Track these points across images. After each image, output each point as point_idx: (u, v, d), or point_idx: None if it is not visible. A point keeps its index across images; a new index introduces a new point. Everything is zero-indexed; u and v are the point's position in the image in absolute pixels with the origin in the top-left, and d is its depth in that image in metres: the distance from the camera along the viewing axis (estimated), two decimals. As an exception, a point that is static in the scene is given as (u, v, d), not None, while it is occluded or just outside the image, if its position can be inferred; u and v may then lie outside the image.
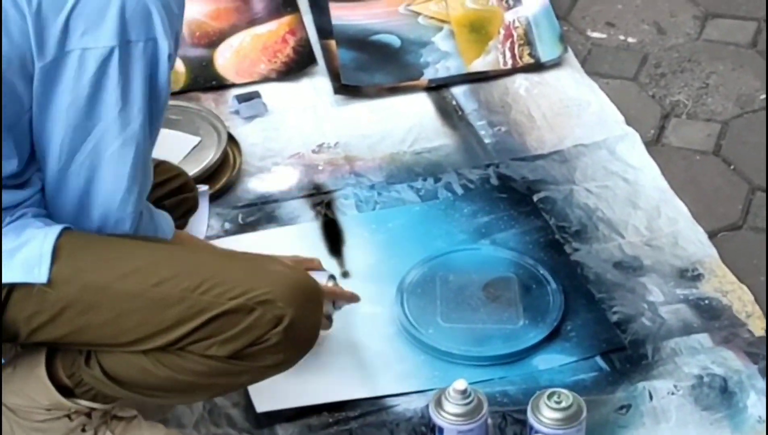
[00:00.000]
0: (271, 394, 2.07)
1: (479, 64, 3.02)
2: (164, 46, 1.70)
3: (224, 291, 1.75)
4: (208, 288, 1.75)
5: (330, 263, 2.40)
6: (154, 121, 1.77)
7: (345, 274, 2.41)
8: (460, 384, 1.96)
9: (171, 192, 2.19)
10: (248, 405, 2.12)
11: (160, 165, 2.16)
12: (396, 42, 3.12)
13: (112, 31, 1.67)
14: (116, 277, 1.75)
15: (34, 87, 1.70)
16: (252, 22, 3.21)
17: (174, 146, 2.61)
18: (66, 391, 1.87)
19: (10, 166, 1.76)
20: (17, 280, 1.72)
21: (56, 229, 1.76)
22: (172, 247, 1.90)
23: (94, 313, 1.76)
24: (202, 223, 2.49)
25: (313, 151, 2.76)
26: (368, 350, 2.24)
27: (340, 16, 3.21)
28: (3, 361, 1.85)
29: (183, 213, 2.24)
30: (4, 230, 1.75)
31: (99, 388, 1.85)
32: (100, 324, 1.77)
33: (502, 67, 3.01)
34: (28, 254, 1.73)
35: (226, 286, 1.76)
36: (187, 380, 1.81)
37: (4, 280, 1.72)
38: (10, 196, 1.77)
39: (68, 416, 1.90)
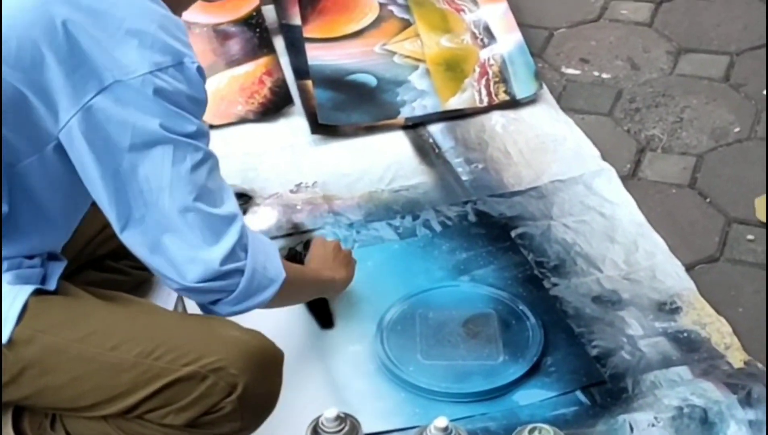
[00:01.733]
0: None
1: (455, 102, 3.04)
2: (191, 63, 1.73)
3: (177, 357, 1.74)
4: (161, 353, 1.74)
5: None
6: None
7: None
8: (441, 422, 1.96)
9: None
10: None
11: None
12: (372, 81, 3.14)
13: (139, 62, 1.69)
14: (74, 339, 1.75)
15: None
16: (229, 64, 3.23)
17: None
18: None
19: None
20: None
21: (27, 290, 1.76)
22: (133, 308, 1.87)
23: (53, 376, 1.76)
24: None
25: (291, 191, 2.77)
26: (349, 388, 2.24)
27: (317, 56, 3.23)
28: None
29: None
30: None
31: None
32: (59, 386, 1.76)
33: (478, 104, 3.03)
34: None
35: (180, 351, 1.75)
36: None
37: None
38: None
39: None
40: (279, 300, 1.89)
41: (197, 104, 1.76)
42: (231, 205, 1.80)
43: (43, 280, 1.82)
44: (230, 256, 1.76)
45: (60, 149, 1.72)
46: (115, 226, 1.76)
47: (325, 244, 2.36)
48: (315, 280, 2.22)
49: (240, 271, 1.78)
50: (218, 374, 1.75)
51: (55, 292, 1.83)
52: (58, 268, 1.86)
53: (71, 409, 1.81)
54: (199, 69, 1.74)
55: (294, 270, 2.02)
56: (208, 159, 1.77)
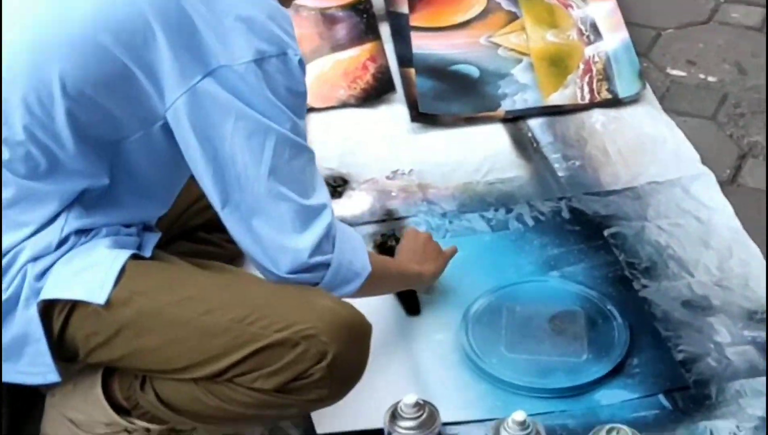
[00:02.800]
0: (332, 415, 2.09)
1: (557, 98, 3.03)
2: (295, 55, 1.77)
3: (270, 323, 1.78)
4: (254, 319, 1.78)
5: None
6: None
7: (412, 300, 2.43)
8: (519, 415, 1.96)
9: None
10: (309, 426, 2.14)
11: None
12: (475, 72, 3.14)
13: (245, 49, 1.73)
14: (169, 303, 1.80)
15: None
16: (334, 48, 3.25)
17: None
18: (123, 410, 1.92)
19: (101, 182, 1.82)
20: (78, 297, 1.77)
21: (125, 254, 1.81)
22: (227, 275, 1.92)
23: (147, 338, 1.80)
24: None
25: (387, 178, 2.79)
26: (430, 376, 2.25)
27: (421, 45, 3.24)
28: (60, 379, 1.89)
29: None
30: (77, 249, 1.80)
31: (154, 412, 1.89)
32: (153, 349, 1.81)
33: (579, 101, 3.02)
34: (94, 276, 1.78)
35: (272, 318, 1.79)
36: (236, 411, 1.84)
37: (67, 296, 1.77)
38: (94, 218, 1.83)
39: (127, 430, 1.95)
40: (363, 292, 1.93)
41: (297, 96, 1.80)
42: (322, 197, 1.85)
43: (139, 247, 1.88)
44: (318, 247, 1.81)
45: (167, 128, 1.77)
46: (216, 206, 1.81)
47: (416, 236, 2.37)
48: (400, 273, 2.24)
49: (326, 265, 1.84)
50: (309, 341, 1.78)
51: (150, 260, 1.88)
52: (153, 239, 1.92)
53: (162, 371, 1.85)
54: (301, 62, 1.78)
55: (380, 263, 2.05)
56: (305, 151, 1.82)
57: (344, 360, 1.82)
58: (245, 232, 1.81)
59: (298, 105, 1.81)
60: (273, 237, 1.80)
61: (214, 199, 1.80)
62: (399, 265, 2.26)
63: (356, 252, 1.92)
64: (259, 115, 1.74)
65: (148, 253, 1.88)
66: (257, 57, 1.72)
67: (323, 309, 1.82)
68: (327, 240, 1.83)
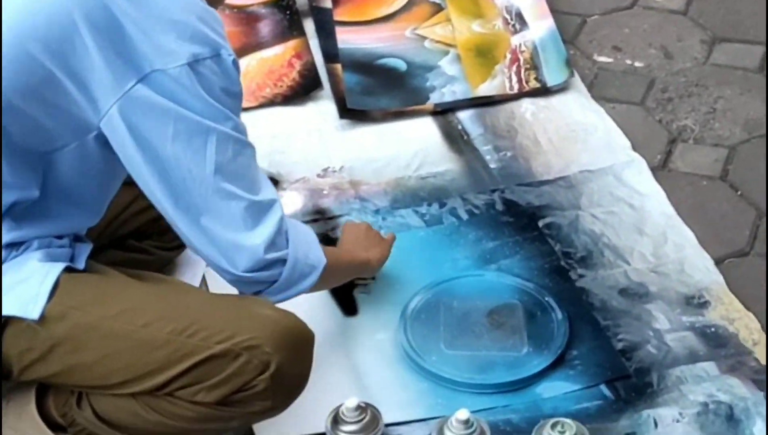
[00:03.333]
0: (273, 422, 2.04)
1: (485, 89, 3.01)
2: (228, 55, 1.76)
3: (210, 335, 1.75)
4: (194, 331, 1.75)
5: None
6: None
7: (348, 300, 2.41)
8: (462, 414, 1.95)
9: None
10: (249, 432, 2.11)
11: None
12: (402, 66, 3.12)
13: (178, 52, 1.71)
14: (105, 317, 1.76)
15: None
16: (258, 46, 3.21)
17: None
18: (59, 428, 1.87)
19: (31, 194, 1.77)
20: (11, 313, 1.73)
21: (58, 267, 1.77)
22: (164, 286, 1.88)
23: (83, 353, 1.76)
24: None
25: (318, 176, 2.76)
26: (371, 377, 2.23)
27: (347, 39, 3.21)
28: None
29: None
30: (8, 263, 1.76)
31: (91, 429, 1.85)
32: (89, 364, 1.77)
33: (508, 91, 3.00)
34: (26, 290, 1.74)
35: (213, 329, 1.76)
36: (178, 425, 1.81)
37: None
38: (25, 231, 1.78)
39: None
40: (319, 285, 1.92)
41: (233, 97, 1.78)
42: (270, 192, 1.84)
43: (72, 259, 1.84)
44: (273, 243, 1.79)
45: (101, 138, 1.74)
46: (166, 211, 1.78)
47: (356, 226, 2.36)
48: (351, 262, 2.23)
49: (282, 261, 1.82)
50: (252, 352, 1.76)
51: (84, 271, 1.84)
52: (85, 250, 1.88)
53: (100, 387, 1.82)
54: (235, 62, 1.77)
55: (332, 254, 2.02)
56: (248, 147, 1.81)
57: (287, 370, 1.79)
58: (198, 235, 1.78)
59: (235, 105, 1.79)
60: (226, 236, 1.77)
61: (163, 204, 1.77)
62: (349, 254, 2.24)
63: (310, 245, 1.91)
64: (197, 117, 1.72)
65: (81, 265, 1.84)
66: (191, 59, 1.70)
67: (264, 319, 1.79)
68: (280, 235, 1.81)
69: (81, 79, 1.68)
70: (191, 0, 1.75)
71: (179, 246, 2.21)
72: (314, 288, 1.93)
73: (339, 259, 2.17)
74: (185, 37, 1.70)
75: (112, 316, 1.76)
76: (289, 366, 1.79)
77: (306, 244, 1.89)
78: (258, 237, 1.78)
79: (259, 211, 1.79)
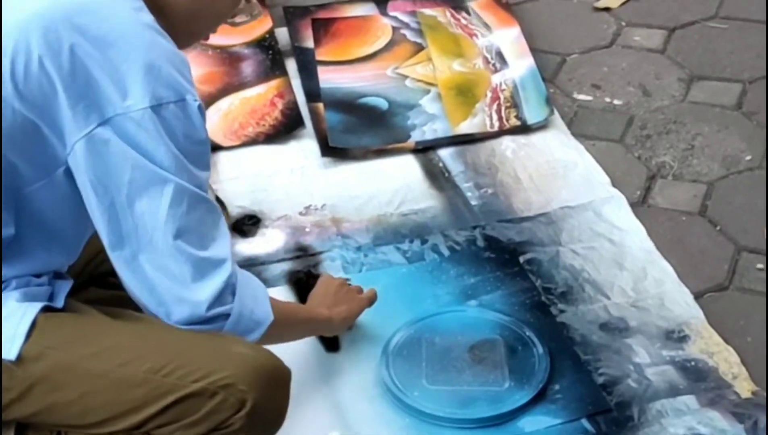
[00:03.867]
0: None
1: (466, 127, 3.04)
2: (193, 101, 1.72)
3: (187, 373, 1.74)
4: (171, 370, 1.75)
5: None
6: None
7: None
8: (444, 447, 1.95)
9: None
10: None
11: None
12: (383, 104, 3.14)
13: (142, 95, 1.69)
14: (83, 356, 1.75)
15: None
16: (241, 86, 3.23)
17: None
18: None
19: (7, 232, 1.77)
20: None
21: (35, 307, 1.76)
22: (141, 325, 1.85)
23: (62, 392, 1.75)
24: None
25: (300, 213, 2.77)
26: (353, 413, 2.23)
27: (328, 79, 3.23)
28: None
29: None
30: None
31: None
32: (67, 403, 1.76)
33: (489, 129, 3.03)
34: (4, 331, 1.73)
35: (189, 367, 1.75)
36: None
37: None
38: (2, 270, 1.77)
39: None
40: (268, 339, 1.89)
41: (196, 144, 1.75)
42: (222, 249, 1.80)
43: (51, 297, 1.83)
44: (217, 300, 1.78)
45: (69, 173, 1.73)
46: (109, 254, 1.77)
47: (330, 281, 2.36)
48: (308, 319, 2.21)
49: (225, 315, 1.80)
50: (228, 390, 1.75)
51: (62, 310, 1.83)
52: (65, 287, 1.87)
53: (79, 426, 1.80)
54: (201, 108, 1.74)
55: (286, 310, 2.04)
56: (203, 202, 1.78)
57: (264, 408, 1.78)
58: (140, 282, 1.76)
59: (198, 153, 1.76)
60: (170, 288, 1.76)
61: (109, 246, 1.76)
62: (307, 311, 2.24)
63: (258, 301, 1.88)
64: (155, 166, 1.70)
65: (60, 303, 1.83)
66: (154, 103, 1.68)
67: (240, 357, 1.78)
68: (227, 290, 1.79)
69: (52, 118, 1.68)
70: (158, 43, 1.74)
71: None
72: (266, 341, 1.89)
73: (295, 315, 2.17)
74: (150, 80, 1.68)
75: (90, 356, 1.75)
76: (265, 403, 1.78)
77: (253, 300, 1.86)
78: (202, 293, 1.76)
79: (206, 267, 1.77)
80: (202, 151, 1.77)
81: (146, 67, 1.68)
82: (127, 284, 1.79)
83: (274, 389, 1.82)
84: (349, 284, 2.38)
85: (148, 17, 1.74)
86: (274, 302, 1.92)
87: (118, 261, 1.76)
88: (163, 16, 1.79)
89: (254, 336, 1.86)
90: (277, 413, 1.85)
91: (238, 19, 3.33)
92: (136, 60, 1.68)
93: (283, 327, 1.98)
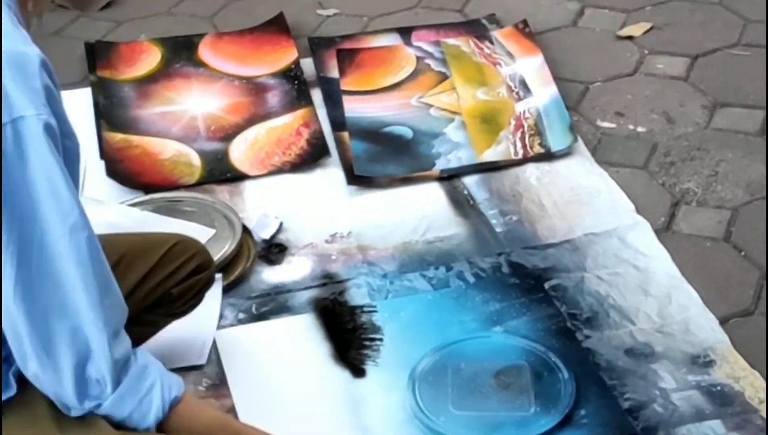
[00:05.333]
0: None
1: (490, 154, 3.06)
2: (32, 120, 1.55)
3: None
4: None
5: (342, 352, 2.41)
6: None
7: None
8: (471, 471, 1.96)
9: (188, 275, 2.17)
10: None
11: (178, 244, 2.15)
12: (408, 133, 3.16)
13: None
14: None
15: None
16: (267, 116, 3.27)
17: (189, 238, 2.63)
18: None
19: None
20: None
21: None
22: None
23: None
24: (215, 313, 2.52)
25: (326, 241, 2.79)
26: (380, 438, 2.24)
27: (354, 108, 3.26)
28: None
29: (198, 290, 2.22)
30: None
31: None
32: None
33: (513, 156, 3.05)
34: None
35: None
36: None
37: None
38: None
39: None
40: None
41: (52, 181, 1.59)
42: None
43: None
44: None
45: None
46: None
47: None
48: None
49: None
50: None
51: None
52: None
53: None
54: (47, 127, 1.56)
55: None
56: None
57: None
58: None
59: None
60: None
61: None
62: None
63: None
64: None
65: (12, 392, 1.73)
66: None
67: None
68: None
69: None
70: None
71: (189, 308, 2.24)
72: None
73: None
74: None
75: None
76: None
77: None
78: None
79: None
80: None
81: None
82: None
83: None
84: None
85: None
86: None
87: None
88: None
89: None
90: None
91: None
92: None
93: None
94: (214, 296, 2.44)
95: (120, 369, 1.69)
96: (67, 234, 1.60)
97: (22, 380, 1.72)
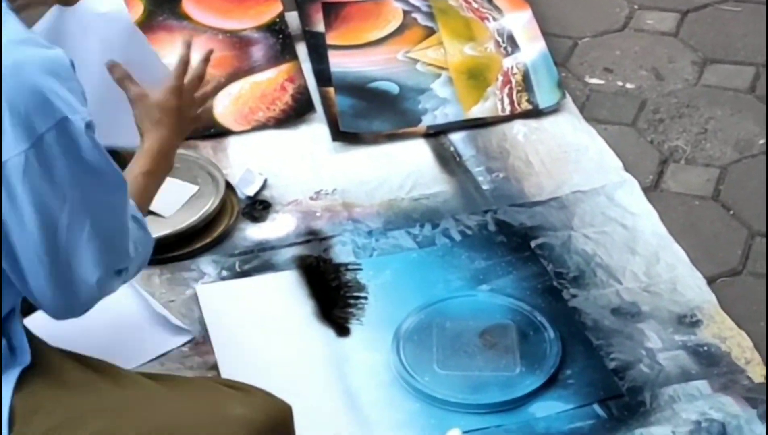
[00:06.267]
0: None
1: (477, 111, 3.03)
2: (77, 120, 1.55)
3: None
4: None
5: (326, 310, 2.39)
6: (96, 192, 1.62)
7: (341, 321, 2.40)
8: (455, 434, 1.95)
9: None
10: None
11: None
12: (394, 89, 3.13)
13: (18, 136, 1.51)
14: None
15: None
16: (251, 70, 3.22)
17: (172, 194, 2.60)
18: None
19: None
20: None
21: (8, 388, 1.67)
22: (131, 390, 1.75)
23: None
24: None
25: (311, 198, 2.76)
26: (363, 397, 2.23)
27: (339, 63, 3.22)
28: None
29: None
30: None
31: None
32: None
33: (500, 113, 3.01)
34: None
35: None
36: None
37: None
38: None
39: None
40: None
41: (88, 173, 1.59)
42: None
43: (11, 345, 1.72)
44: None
45: None
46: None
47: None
48: (144, 159, 1.95)
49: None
50: None
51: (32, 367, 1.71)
52: (20, 333, 1.74)
53: None
54: (87, 124, 1.56)
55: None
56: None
57: None
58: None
59: (92, 183, 1.60)
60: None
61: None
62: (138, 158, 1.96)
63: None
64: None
65: (27, 358, 1.71)
66: (34, 139, 1.50)
67: (237, 420, 1.72)
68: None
69: None
70: (32, 59, 1.53)
71: None
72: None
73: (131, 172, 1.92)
74: (21, 111, 1.49)
75: None
76: None
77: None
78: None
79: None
80: (94, 181, 1.61)
81: (10, 100, 1.50)
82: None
83: None
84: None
85: (9, 27, 1.55)
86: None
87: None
88: None
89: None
90: None
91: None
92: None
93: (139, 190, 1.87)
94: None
95: None
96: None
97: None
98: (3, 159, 1.50)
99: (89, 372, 1.76)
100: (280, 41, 3.32)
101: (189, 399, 1.77)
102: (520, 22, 3.34)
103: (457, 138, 2.96)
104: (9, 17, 1.57)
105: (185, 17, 3.44)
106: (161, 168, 1.97)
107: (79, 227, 1.59)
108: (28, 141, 1.51)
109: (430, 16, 3.41)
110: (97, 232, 1.61)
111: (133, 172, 1.91)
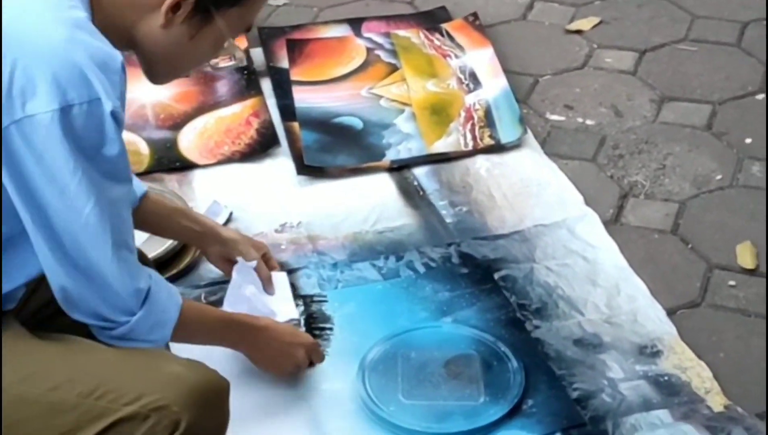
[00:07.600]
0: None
1: (440, 146, 3.06)
2: (108, 106, 1.64)
3: (118, 396, 1.70)
4: (102, 393, 1.70)
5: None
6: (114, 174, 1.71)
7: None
8: (421, 460, 1.96)
9: None
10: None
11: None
12: (358, 124, 3.16)
13: (50, 96, 1.60)
14: (12, 382, 1.70)
15: None
16: (216, 105, 3.25)
17: (137, 226, 2.61)
18: None
19: None
20: None
21: None
22: (71, 346, 1.80)
23: None
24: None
25: (276, 231, 2.78)
26: (328, 427, 2.24)
27: (304, 98, 3.25)
28: None
29: None
30: None
31: None
32: None
33: (463, 148, 3.05)
34: None
35: (121, 390, 1.71)
36: None
37: None
38: None
39: None
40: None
41: (111, 158, 1.68)
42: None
43: None
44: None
45: None
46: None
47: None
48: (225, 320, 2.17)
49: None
50: (160, 413, 1.70)
51: None
52: None
53: None
54: (115, 114, 1.65)
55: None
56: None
57: (200, 427, 1.74)
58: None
59: (114, 162, 1.69)
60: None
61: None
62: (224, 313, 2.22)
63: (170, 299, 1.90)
64: (66, 173, 1.64)
65: None
66: (63, 105, 1.61)
67: (172, 376, 1.75)
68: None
69: None
70: (87, 44, 1.64)
71: None
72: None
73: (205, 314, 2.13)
74: (61, 80, 1.60)
75: (20, 380, 1.71)
76: (201, 422, 1.73)
77: (168, 297, 1.89)
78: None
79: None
80: (116, 163, 1.70)
81: (60, 66, 1.61)
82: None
83: (210, 407, 1.77)
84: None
85: (77, 14, 1.67)
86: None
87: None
88: (143, 52, 1.79)
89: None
90: (216, 431, 1.82)
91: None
92: (53, 59, 1.61)
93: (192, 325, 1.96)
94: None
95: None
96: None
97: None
98: (33, 112, 1.60)
99: (41, 336, 1.80)
100: (245, 76, 3.35)
101: (128, 354, 1.78)
102: (482, 60, 3.39)
103: (420, 172, 2.99)
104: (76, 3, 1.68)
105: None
106: (228, 337, 2.16)
107: (86, 197, 1.66)
108: (58, 104, 1.60)
109: (393, 53, 3.46)
110: (101, 208, 1.68)
111: (216, 311, 2.16)
